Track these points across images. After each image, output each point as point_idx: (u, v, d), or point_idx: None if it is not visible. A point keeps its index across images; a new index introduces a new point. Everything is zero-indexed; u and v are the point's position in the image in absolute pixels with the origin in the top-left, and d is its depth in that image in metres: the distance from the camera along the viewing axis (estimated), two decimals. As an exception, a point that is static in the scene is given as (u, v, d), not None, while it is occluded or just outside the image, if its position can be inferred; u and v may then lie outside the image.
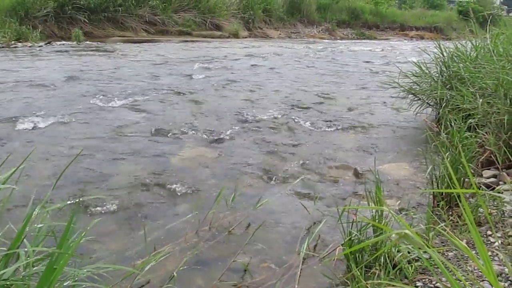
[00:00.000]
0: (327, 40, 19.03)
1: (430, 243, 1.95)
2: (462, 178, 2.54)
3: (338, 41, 19.16)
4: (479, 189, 2.60)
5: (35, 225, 1.37)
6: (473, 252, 1.76)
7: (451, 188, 2.35)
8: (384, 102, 5.60)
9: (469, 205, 2.23)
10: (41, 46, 11.16)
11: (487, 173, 2.94)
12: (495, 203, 2.42)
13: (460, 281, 1.36)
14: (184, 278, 1.87)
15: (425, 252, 1.63)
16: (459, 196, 2.42)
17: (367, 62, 10.28)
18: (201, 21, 16.53)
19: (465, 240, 2.01)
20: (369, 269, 1.79)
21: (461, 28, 21.59)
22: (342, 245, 2.00)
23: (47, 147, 3.46)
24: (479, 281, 1.61)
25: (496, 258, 1.86)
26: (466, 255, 1.92)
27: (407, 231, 0.86)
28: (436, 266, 1.79)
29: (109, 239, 2.18)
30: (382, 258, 1.78)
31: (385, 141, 4.07)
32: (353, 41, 19.73)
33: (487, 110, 3.11)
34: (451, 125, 2.82)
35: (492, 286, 1.60)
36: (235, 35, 17.07)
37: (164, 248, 2.01)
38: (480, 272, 1.76)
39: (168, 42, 13.86)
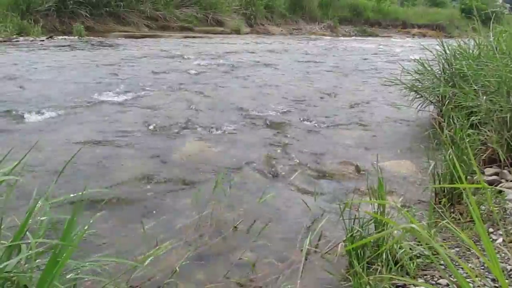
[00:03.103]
0: (329, 37, 19.01)
1: (432, 239, 1.94)
2: (465, 175, 2.53)
3: (340, 38, 19.15)
4: (481, 186, 2.60)
5: (38, 217, 1.37)
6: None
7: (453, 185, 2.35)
8: (386, 99, 5.60)
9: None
10: (43, 40, 11.15)
11: (489, 170, 2.94)
12: (497, 200, 2.41)
13: (466, 277, 1.36)
14: (186, 273, 1.87)
15: (429, 248, 1.63)
16: (461, 193, 2.42)
17: (369, 59, 10.26)
18: (203, 17, 16.53)
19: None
20: (371, 265, 1.79)
21: (463, 26, 21.58)
22: (344, 241, 2.00)
23: (49, 140, 3.46)
24: (483, 276, 1.60)
25: (498, 255, 1.87)
26: (468, 252, 1.92)
27: (413, 225, 0.85)
28: (440, 262, 1.79)
29: (111, 233, 2.17)
30: (384, 254, 1.78)
31: (386, 138, 4.06)
32: (355, 38, 19.71)
33: (490, 107, 3.11)
34: (454, 122, 2.81)
35: (494, 282, 1.60)
36: (237, 31, 17.06)
37: (167, 243, 2.01)
38: (482, 269, 1.76)
39: (170, 37, 13.85)
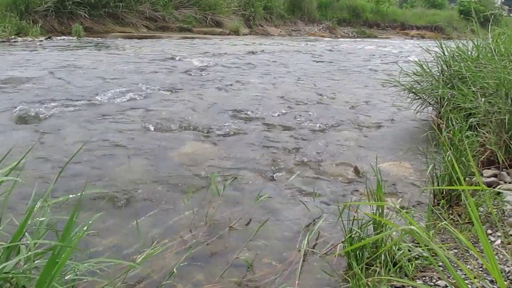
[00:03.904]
0: (327, 38, 19.02)
1: (431, 241, 1.95)
2: (463, 177, 2.54)
3: (339, 39, 19.15)
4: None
5: (37, 218, 1.37)
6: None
7: (452, 186, 2.36)
8: (385, 101, 5.60)
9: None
10: (41, 41, 11.14)
11: (487, 172, 2.95)
12: (496, 202, 2.42)
13: (465, 278, 1.37)
14: (184, 273, 1.86)
15: (427, 249, 1.64)
16: (460, 195, 2.42)
17: (367, 60, 10.28)
18: (201, 18, 16.52)
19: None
20: (370, 266, 1.79)
21: (462, 27, 21.63)
22: (342, 242, 2.00)
23: (49, 141, 3.45)
24: (482, 278, 1.61)
25: (496, 257, 1.87)
26: (467, 254, 1.92)
27: (412, 227, 0.85)
28: (438, 263, 1.79)
29: (108, 234, 2.17)
30: (383, 256, 1.78)
31: (385, 139, 4.06)
32: (354, 39, 19.73)
33: (488, 109, 3.11)
34: (452, 124, 2.82)
35: (492, 283, 1.61)
36: (236, 32, 17.07)
37: (164, 244, 2.01)
38: (481, 270, 1.76)
39: (169, 38, 13.84)
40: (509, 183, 2.73)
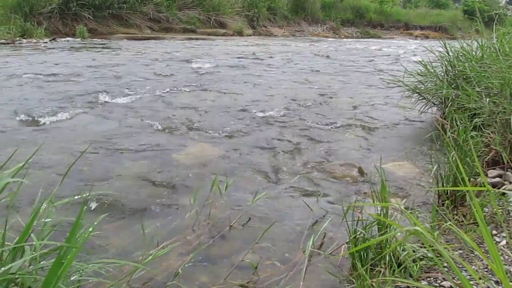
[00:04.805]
0: (331, 39, 19.01)
1: (436, 241, 1.94)
2: (468, 177, 2.53)
3: (342, 39, 19.14)
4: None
5: (43, 219, 1.38)
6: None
7: (457, 187, 2.35)
8: (389, 101, 5.59)
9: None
10: (46, 42, 11.20)
11: (492, 172, 2.94)
12: (501, 202, 2.41)
13: (470, 279, 1.36)
14: (189, 275, 1.87)
15: (432, 250, 1.63)
16: (464, 195, 2.41)
17: (371, 60, 10.26)
18: (205, 19, 16.56)
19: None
20: (374, 267, 1.79)
21: (466, 27, 21.56)
22: (347, 243, 2.00)
23: (54, 143, 3.47)
24: (487, 279, 1.60)
25: (501, 257, 1.86)
26: (472, 255, 1.92)
27: (417, 228, 0.85)
28: (443, 264, 1.79)
29: (113, 235, 2.18)
30: (387, 256, 1.78)
31: (389, 140, 4.06)
32: (358, 40, 19.71)
33: (493, 109, 3.10)
34: (457, 124, 2.81)
35: (498, 284, 1.60)
36: (239, 33, 17.10)
37: (169, 244, 2.01)
38: (486, 271, 1.76)
39: (172, 39, 13.88)
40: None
